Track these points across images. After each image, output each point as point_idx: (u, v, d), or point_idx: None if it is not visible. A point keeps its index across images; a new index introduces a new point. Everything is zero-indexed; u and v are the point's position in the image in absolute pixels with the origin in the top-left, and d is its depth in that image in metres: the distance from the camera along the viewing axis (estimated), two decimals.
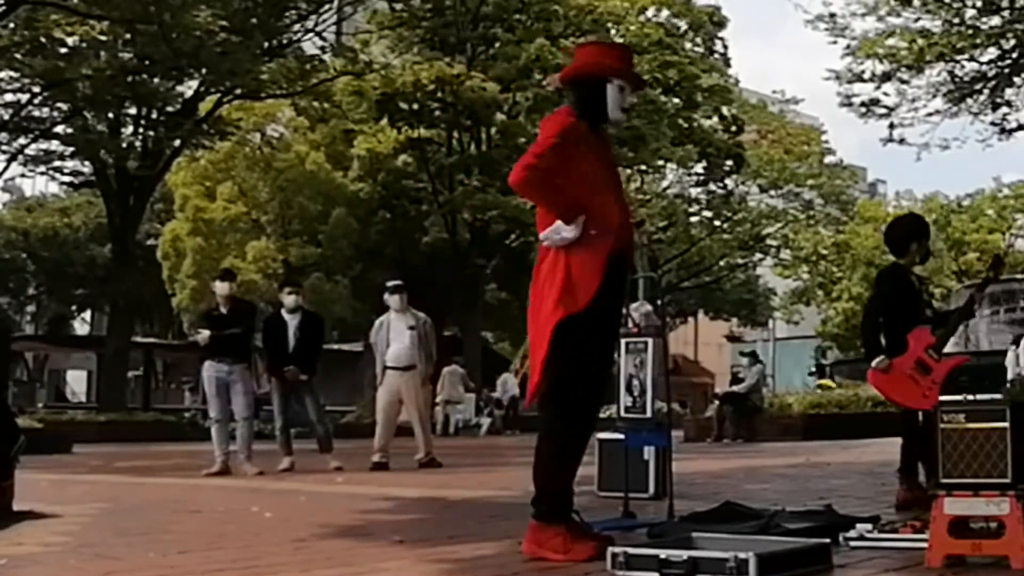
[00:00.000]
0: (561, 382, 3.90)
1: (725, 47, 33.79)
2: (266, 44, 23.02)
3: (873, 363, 5.46)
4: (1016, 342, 15.03)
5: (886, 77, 21.06)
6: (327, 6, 24.85)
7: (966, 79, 20.88)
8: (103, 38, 21.20)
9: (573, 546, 3.75)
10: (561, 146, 3.92)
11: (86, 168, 27.14)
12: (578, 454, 3.97)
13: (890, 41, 20.76)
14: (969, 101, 20.92)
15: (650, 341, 5.66)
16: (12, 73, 22.34)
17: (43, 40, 21.26)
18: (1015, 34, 19.80)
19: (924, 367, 5.33)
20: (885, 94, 21.41)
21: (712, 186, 35.66)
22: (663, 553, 3.30)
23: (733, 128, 33.88)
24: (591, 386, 3.94)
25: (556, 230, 3.89)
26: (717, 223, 36.76)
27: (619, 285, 4.00)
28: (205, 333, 9.57)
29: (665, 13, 32.27)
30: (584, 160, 3.94)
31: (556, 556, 3.72)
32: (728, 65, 34.20)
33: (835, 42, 21.23)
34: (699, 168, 34.21)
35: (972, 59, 20.72)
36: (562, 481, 3.91)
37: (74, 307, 43.84)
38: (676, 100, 31.50)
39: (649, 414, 5.61)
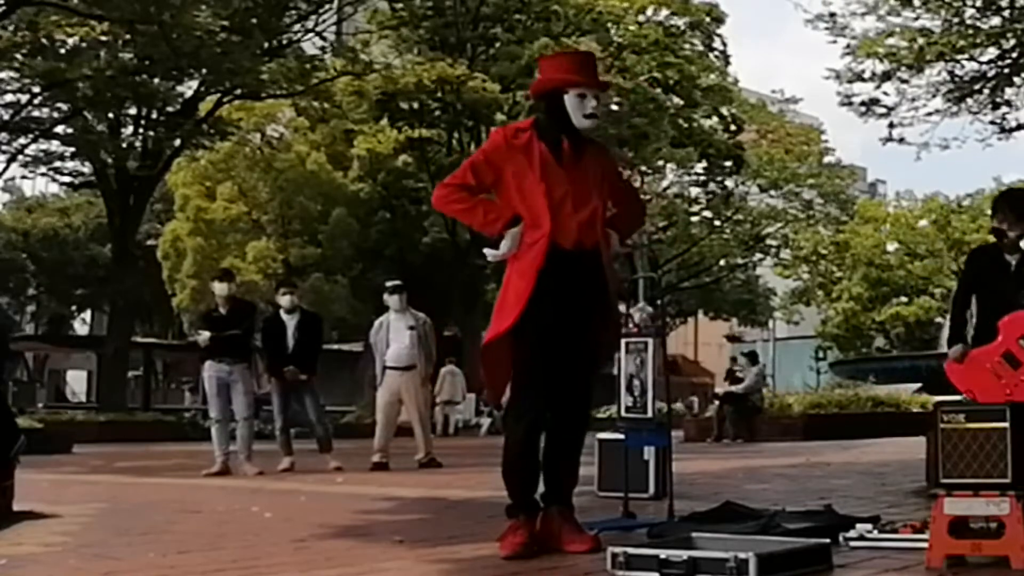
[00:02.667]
0: (510, 394, 4.06)
1: (724, 45, 33.83)
2: (266, 44, 23.02)
3: (949, 352, 4.99)
4: None
5: (886, 76, 21.02)
6: (327, 6, 24.87)
7: (966, 79, 20.85)
8: (103, 38, 21.20)
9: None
10: (484, 163, 4.07)
11: (86, 168, 27.14)
12: (519, 460, 4.02)
13: (890, 40, 20.73)
14: (969, 101, 20.90)
15: (650, 341, 5.67)
16: (12, 73, 22.35)
17: (44, 41, 21.27)
18: (1015, 34, 19.77)
19: (1013, 360, 4.75)
20: (885, 93, 21.37)
21: (712, 186, 35.65)
22: (663, 553, 3.30)
23: (732, 128, 33.88)
24: (531, 398, 4.00)
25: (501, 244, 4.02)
26: (717, 223, 36.75)
27: (564, 289, 3.97)
28: (205, 334, 9.57)
29: (664, 12, 32.29)
30: (519, 172, 4.01)
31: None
32: (728, 64, 34.24)
33: (835, 41, 21.21)
34: (699, 168, 34.21)
35: (972, 59, 20.69)
36: (509, 482, 4.03)
37: (74, 307, 43.83)
38: (676, 99, 31.51)
39: (649, 414, 5.61)
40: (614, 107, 26.52)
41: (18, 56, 21.41)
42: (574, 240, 3.98)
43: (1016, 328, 4.77)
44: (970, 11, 19.89)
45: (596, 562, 3.57)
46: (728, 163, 33.92)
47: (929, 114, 21.11)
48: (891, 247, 42.06)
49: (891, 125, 21.35)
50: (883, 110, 21.39)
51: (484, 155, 4.11)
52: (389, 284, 10.69)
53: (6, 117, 23.14)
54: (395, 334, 10.09)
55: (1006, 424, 3.34)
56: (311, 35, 24.96)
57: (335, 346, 30.27)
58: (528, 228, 3.97)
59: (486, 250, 4.14)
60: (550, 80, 4.17)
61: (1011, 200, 5.44)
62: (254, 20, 22.20)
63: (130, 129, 25.56)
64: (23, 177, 35.40)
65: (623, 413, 5.69)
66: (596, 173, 4.11)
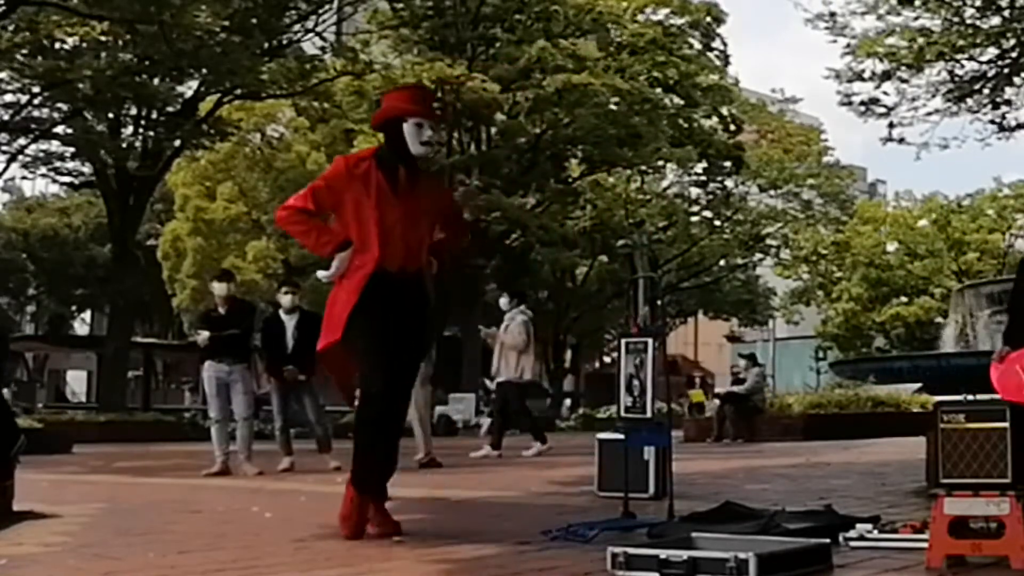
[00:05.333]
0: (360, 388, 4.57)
1: (724, 45, 33.86)
2: (266, 44, 23.02)
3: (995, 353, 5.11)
4: None
5: (886, 76, 21.03)
6: (327, 6, 24.85)
7: (966, 78, 20.86)
8: (103, 38, 21.18)
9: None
10: (324, 189, 4.51)
11: (86, 168, 27.14)
12: (368, 452, 4.53)
13: (890, 40, 20.74)
14: (969, 100, 20.90)
15: (650, 341, 5.66)
16: (12, 73, 22.34)
17: (44, 41, 21.27)
18: (1015, 34, 19.78)
19: None
20: (885, 93, 21.39)
21: (712, 186, 35.68)
22: (663, 553, 3.30)
23: (732, 128, 33.89)
24: (370, 399, 4.45)
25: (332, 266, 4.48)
26: (717, 223, 36.77)
27: (390, 309, 4.42)
28: (204, 334, 9.55)
29: (664, 12, 32.31)
30: (357, 199, 4.45)
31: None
32: (727, 64, 34.26)
33: (835, 41, 21.23)
34: (699, 168, 34.24)
35: (972, 58, 20.70)
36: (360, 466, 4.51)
37: (74, 307, 43.85)
38: (676, 99, 31.53)
39: (649, 414, 5.61)
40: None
41: (18, 56, 21.40)
42: (399, 264, 4.46)
43: None
44: (970, 11, 19.91)
45: (596, 562, 3.57)
46: (728, 163, 33.93)
47: (929, 114, 21.15)
48: (891, 247, 42.10)
49: (891, 125, 21.38)
50: (883, 110, 21.41)
51: (325, 182, 4.56)
52: None
53: (6, 117, 23.13)
54: None
55: (1006, 424, 3.34)
56: (311, 35, 24.94)
57: None
58: (357, 252, 4.42)
59: (319, 272, 4.60)
60: (390, 109, 4.60)
61: None
62: (254, 20, 22.19)
63: (130, 129, 25.56)
64: (23, 177, 35.44)
65: (623, 413, 5.69)
66: (428, 203, 4.58)
